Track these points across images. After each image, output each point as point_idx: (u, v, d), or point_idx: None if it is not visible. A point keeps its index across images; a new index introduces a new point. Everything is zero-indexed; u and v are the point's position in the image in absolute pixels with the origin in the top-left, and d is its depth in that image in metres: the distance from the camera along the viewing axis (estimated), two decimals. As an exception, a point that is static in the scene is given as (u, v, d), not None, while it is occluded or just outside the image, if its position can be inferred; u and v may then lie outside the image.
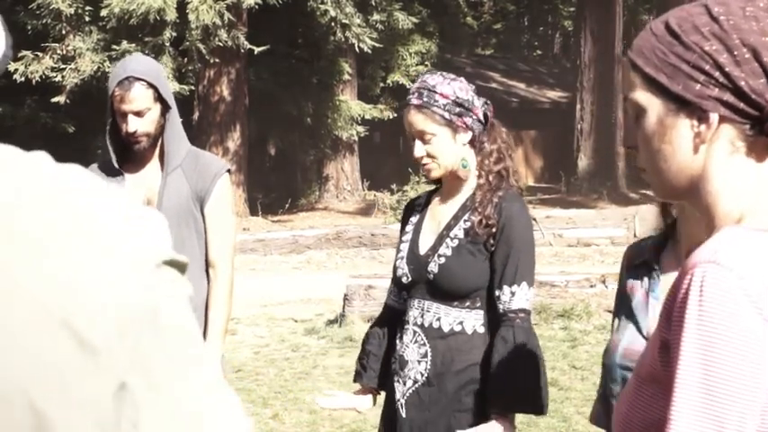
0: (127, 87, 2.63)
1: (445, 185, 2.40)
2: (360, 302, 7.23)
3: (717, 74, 1.05)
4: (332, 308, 8.04)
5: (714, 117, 1.06)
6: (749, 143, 1.07)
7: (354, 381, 2.54)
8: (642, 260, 2.01)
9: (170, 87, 2.79)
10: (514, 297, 2.24)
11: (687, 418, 0.95)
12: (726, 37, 1.05)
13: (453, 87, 2.28)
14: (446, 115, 2.26)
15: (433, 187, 2.53)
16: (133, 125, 2.66)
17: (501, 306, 2.24)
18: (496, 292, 2.25)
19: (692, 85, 1.07)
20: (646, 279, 1.98)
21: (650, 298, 1.95)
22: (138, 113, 2.66)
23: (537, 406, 2.25)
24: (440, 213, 2.39)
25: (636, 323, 1.96)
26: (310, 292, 9.22)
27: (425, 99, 2.26)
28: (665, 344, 1.03)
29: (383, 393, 2.51)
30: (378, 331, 2.51)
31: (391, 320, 2.49)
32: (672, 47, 1.09)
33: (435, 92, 2.26)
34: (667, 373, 1.01)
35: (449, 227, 2.33)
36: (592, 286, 7.50)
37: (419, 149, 2.29)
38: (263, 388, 5.74)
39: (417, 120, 2.28)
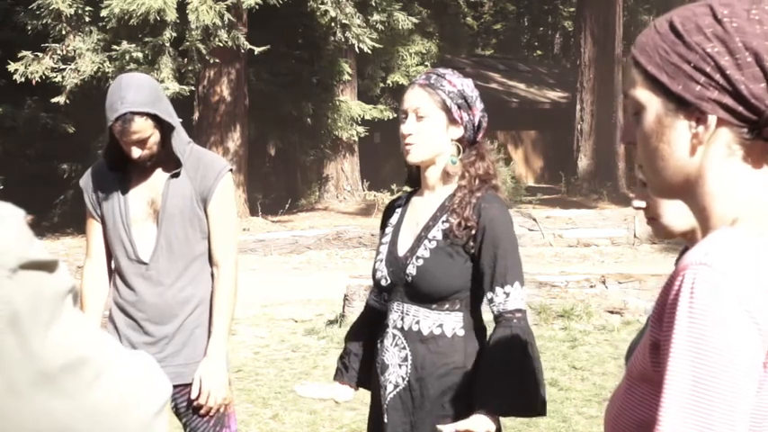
0: (127, 122, 2.60)
1: (425, 185, 2.38)
2: (360, 302, 7.22)
3: (717, 76, 1.04)
4: (332, 308, 8.04)
5: (712, 119, 1.05)
6: (746, 147, 1.06)
7: (334, 379, 2.53)
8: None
9: (169, 104, 2.74)
10: (509, 298, 2.20)
11: (675, 420, 0.95)
12: (728, 39, 1.04)
13: (462, 81, 2.30)
14: (447, 101, 2.25)
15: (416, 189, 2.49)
16: (136, 153, 2.68)
17: (496, 308, 2.21)
18: (489, 295, 2.22)
19: (693, 85, 1.06)
20: None
21: None
22: (140, 143, 2.66)
23: (538, 408, 2.21)
24: (418, 214, 2.36)
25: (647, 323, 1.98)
26: (310, 293, 9.22)
27: (432, 81, 2.27)
28: (656, 344, 1.03)
29: (361, 390, 2.51)
30: (359, 331, 2.51)
31: (372, 319, 2.48)
32: (675, 46, 1.08)
33: (444, 78, 2.28)
34: (657, 374, 1.01)
35: (427, 228, 2.30)
36: (592, 287, 7.49)
37: (409, 126, 2.27)
38: (263, 388, 5.74)
39: (418, 95, 2.27)
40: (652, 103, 1.10)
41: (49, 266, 0.74)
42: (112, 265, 2.87)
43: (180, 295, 2.77)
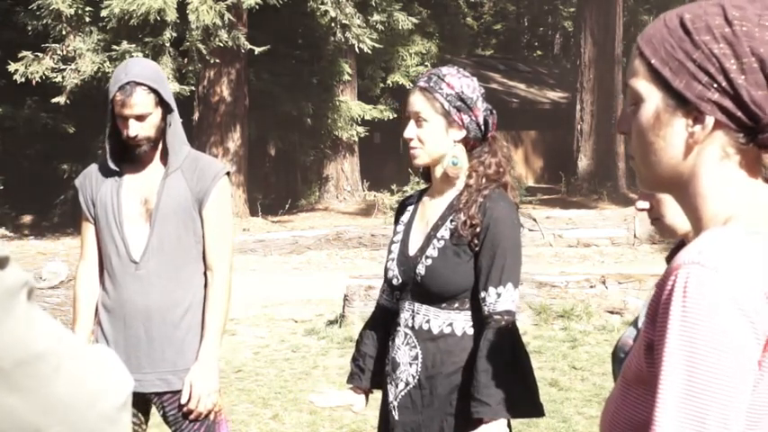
0: (128, 92, 2.61)
1: (434, 185, 2.39)
2: (360, 303, 7.23)
3: (720, 78, 1.04)
4: (332, 308, 8.04)
5: (710, 120, 1.05)
6: (741, 152, 1.06)
7: (348, 382, 2.50)
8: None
9: (171, 90, 2.77)
10: (500, 299, 2.20)
11: (671, 421, 0.95)
12: (736, 42, 1.04)
13: (462, 83, 2.29)
14: (445, 105, 2.26)
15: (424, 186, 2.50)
16: (134, 129, 2.66)
17: (486, 308, 2.21)
18: (482, 294, 2.21)
19: (694, 84, 1.06)
20: None
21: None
22: (140, 118, 2.65)
23: (534, 409, 2.22)
24: (428, 213, 2.37)
25: (635, 321, 2.00)
26: (310, 293, 9.22)
27: (432, 84, 2.28)
28: (650, 345, 1.03)
29: (376, 392, 2.49)
30: (371, 332, 2.50)
31: (384, 320, 2.48)
32: (681, 42, 1.07)
33: (443, 80, 2.28)
34: (652, 375, 1.00)
35: (436, 227, 2.31)
36: (592, 287, 7.48)
37: (411, 130, 2.31)
38: (263, 388, 5.74)
39: (417, 100, 2.29)
40: (652, 96, 1.10)
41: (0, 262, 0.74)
42: (103, 266, 2.80)
43: (169, 298, 2.71)
